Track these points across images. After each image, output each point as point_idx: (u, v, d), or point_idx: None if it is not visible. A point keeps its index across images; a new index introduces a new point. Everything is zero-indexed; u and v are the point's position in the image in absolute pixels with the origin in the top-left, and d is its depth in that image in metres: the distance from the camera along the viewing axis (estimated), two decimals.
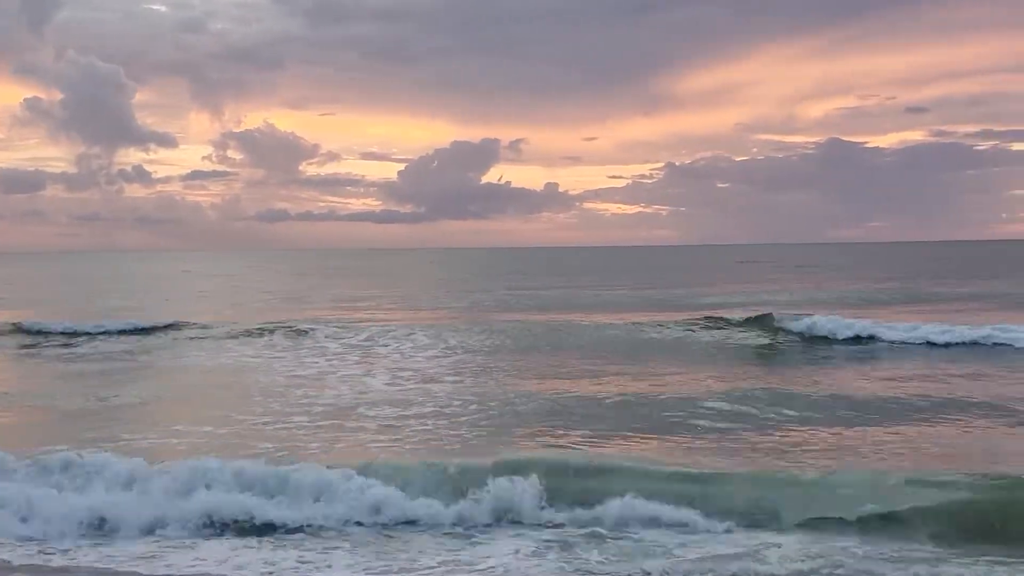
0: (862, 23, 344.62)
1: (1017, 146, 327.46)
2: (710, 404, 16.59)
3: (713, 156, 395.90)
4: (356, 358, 24.32)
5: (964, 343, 25.23)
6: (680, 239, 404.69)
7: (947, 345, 25.22)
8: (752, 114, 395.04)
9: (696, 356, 24.30)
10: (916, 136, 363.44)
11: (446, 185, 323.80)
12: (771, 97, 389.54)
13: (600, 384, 19.35)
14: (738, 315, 31.43)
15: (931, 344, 25.35)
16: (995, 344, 24.96)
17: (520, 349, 25.82)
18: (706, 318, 31.22)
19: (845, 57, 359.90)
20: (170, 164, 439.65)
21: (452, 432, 14.63)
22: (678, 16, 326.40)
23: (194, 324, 32.11)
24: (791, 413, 15.90)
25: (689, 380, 19.87)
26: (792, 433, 14.41)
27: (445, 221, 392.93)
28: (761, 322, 29.99)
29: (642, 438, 14.05)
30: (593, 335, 28.61)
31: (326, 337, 28.56)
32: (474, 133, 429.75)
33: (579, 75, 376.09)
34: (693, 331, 29.09)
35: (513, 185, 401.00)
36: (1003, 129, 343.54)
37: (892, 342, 26.09)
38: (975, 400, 16.86)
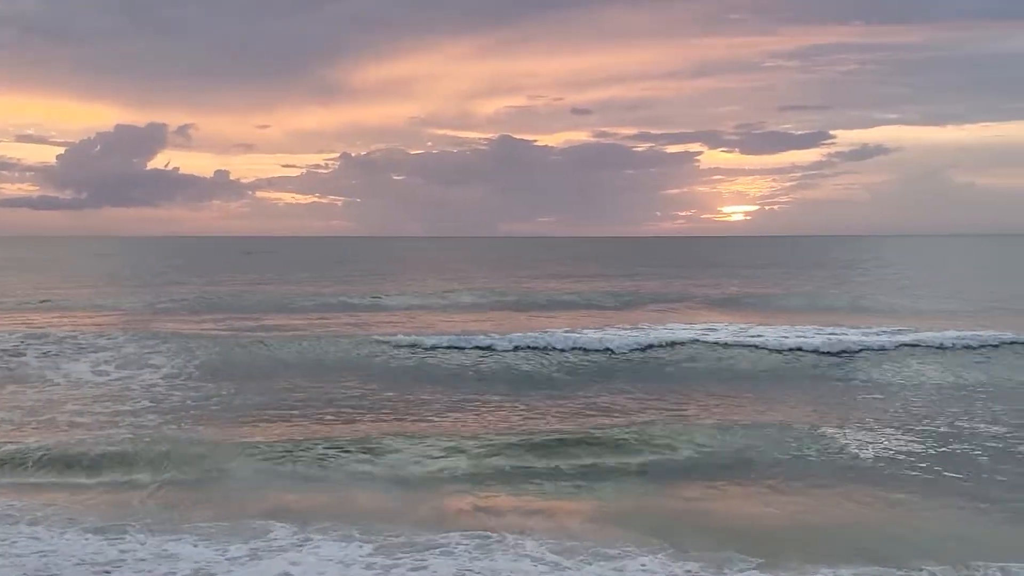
0: (531, 26, 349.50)
1: (671, 148, 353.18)
2: None
3: (388, 148, 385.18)
4: None
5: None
6: (354, 230, 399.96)
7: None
8: (427, 108, 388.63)
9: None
10: (581, 136, 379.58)
11: (110, 170, 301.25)
12: (445, 92, 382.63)
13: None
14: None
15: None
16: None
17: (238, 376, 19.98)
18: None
19: (515, 58, 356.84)
20: None
21: None
22: (354, 7, 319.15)
23: None
24: None
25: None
26: None
27: (109, 208, 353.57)
28: None
29: None
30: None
31: None
32: (140, 117, 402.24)
33: (252, 62, 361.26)
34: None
35: (181, 171, 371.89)
36: (658, 132, 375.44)
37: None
38: None
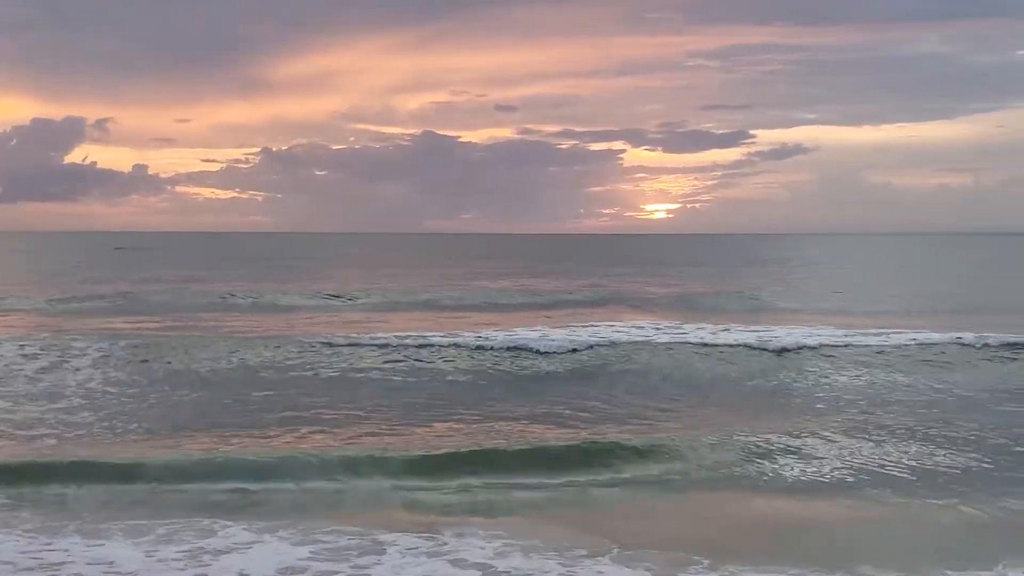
0: (454, 21, 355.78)
1: (594, 146, 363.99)
2: None
3: (310, 143, 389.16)
4: None
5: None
6: (275, 226, 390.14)
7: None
8: (349, 103, 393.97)
9: None
10: (505, 133, 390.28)
11: (25, 165, 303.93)
12: (368, 87, 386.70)
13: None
14: None
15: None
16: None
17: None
18: None
19: (438, 53, 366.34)
20: None
21: None
22: (275, 0, 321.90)
23: None
24: None
25: None
26: None
27: (25, 203, 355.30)
28: None
29: None
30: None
31: None
32: (57, 110, 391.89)
33: (171, 55, 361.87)
34: None
35: (99, 166, 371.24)
36: (582, 130, 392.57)
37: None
38: None
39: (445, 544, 9.67)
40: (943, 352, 22.00)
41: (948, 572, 9.03)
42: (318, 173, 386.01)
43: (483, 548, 9.53)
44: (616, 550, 9.50)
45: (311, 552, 9.37)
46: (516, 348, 21.98)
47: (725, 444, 13.90)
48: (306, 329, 26.41)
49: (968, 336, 22.91)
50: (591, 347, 22.21)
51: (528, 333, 24.06)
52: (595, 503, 11.74)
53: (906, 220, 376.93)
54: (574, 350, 21.96)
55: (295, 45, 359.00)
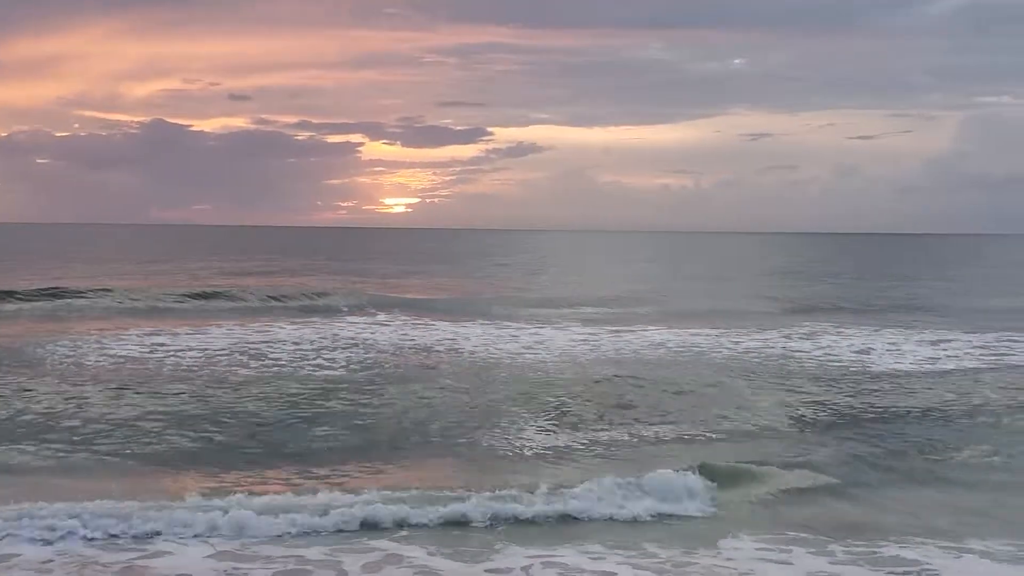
0: (186, 7, 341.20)
1: (332, 138, 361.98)
2: None
3: (32, 130, 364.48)
4: None
5: None
6: None
7: None
8: (75, 89, 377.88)
9: None
10: (240, 123, 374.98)
11: None
12: (96, 73, 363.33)
13: None
14: None
15: None
16: None
17: None
18: None
19: (170, 39, 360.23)
20: None
21: None
22: None
23: None
24: None
25: None
26: None
27: None
28: None
29: None
30: None
31: None
32: None
33: None
34: None
35: None
36: (320, 122, 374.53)
37: None
38: None
39: None
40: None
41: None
42: (40, 161, 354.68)
43: None
44: None
45: None
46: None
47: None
48: None
49: None
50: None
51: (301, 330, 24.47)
52: None
53: (632, 218, 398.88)
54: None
55: (18, 26, 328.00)
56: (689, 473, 11.41)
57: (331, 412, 15.51)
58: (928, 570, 8.97)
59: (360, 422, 14.84)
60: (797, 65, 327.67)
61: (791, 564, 9.12)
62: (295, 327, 26.38)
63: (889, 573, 8.88)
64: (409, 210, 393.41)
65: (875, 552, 9.38)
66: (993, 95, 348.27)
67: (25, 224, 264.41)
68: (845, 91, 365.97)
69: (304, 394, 16.80)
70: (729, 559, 9.17)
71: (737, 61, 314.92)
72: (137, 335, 24.03)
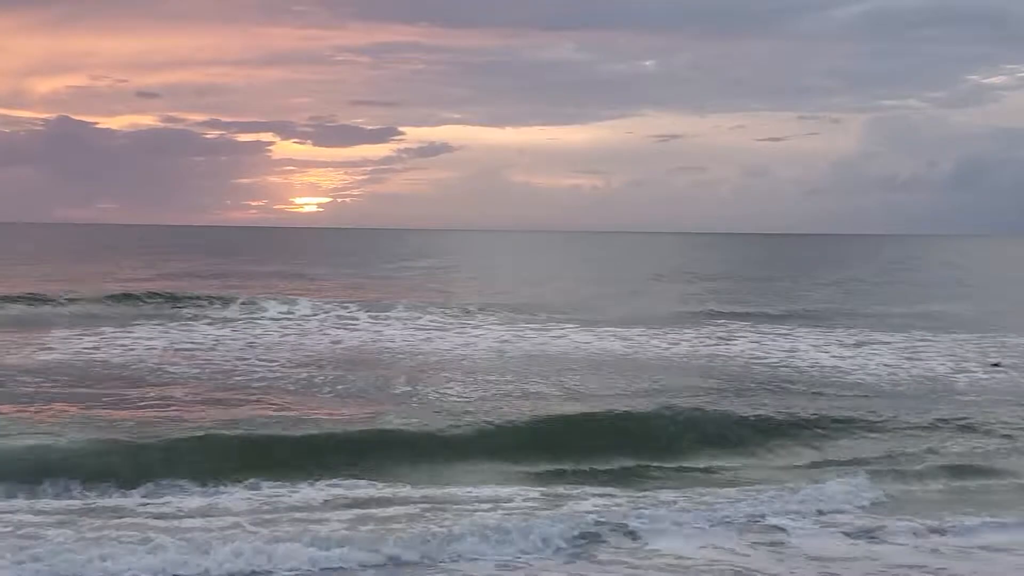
0: (94, 2, 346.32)
1: (242, 137, 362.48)
2: None
3: None
4: None
5: None
6: None
7: None
8: None
9: None
10: (148, 120, 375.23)
11: None
12: None
13: None
14: None
15: None
16: None
17: None
18: None
19: (75, 35, 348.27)
20: None
21: None
22: None
23: None
24: None
25: None
26: None
27: None
28: None
29: None
30: None
31: None
32: None
33: None
34: None
35: None
36: (229, 120, 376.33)
37: None
38: None
39: None
40: None
41: None
42: None
43: None
44: None
45: None
46: None
47: None
48: None
49: None
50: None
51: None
52: None
53: (543, 218, 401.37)
54: None
55: None
56: None
57: None
58: None
59: None
60: (707, 68, 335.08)
61: None
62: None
63: None
64: (320, 209, 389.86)
65: None
66: (898, 98, 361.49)
67: None
68: (754, 94, 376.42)
69: None
70: None
71: (648, 63, 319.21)
72: None
